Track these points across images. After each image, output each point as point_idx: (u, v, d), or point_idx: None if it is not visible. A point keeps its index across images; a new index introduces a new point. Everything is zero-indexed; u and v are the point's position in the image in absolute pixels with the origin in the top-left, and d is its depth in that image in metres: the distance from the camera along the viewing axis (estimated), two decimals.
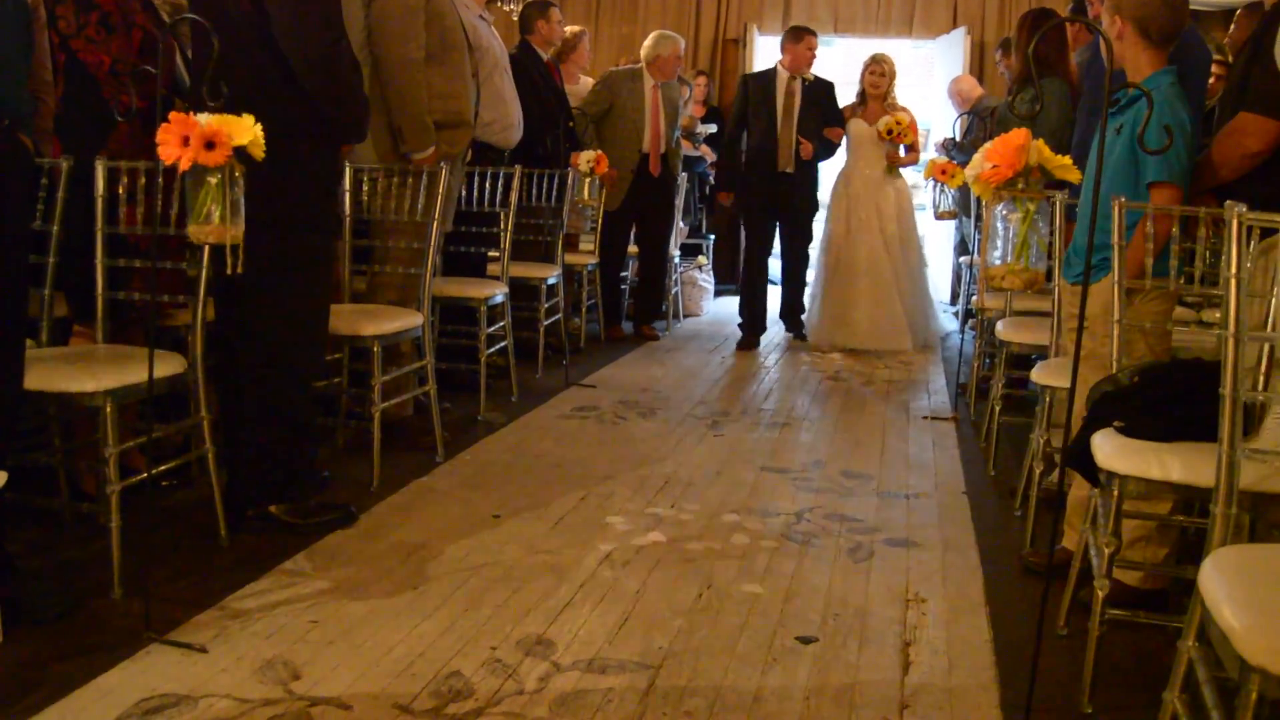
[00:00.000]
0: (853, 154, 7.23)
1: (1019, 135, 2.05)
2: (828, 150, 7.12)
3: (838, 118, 7.09)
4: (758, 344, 7.20)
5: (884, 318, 7.03)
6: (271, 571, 2.99)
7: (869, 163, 7.14)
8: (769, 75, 7.10)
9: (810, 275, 7.59)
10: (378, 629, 2.66)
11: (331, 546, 3.19)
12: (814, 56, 7.01)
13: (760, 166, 7.03)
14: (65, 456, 3.24)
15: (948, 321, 7.97)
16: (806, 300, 7.44)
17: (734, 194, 7.33)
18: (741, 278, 7.52)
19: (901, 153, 7.05)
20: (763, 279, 7.28)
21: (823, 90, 7.07)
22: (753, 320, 7.26)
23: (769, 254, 7.38)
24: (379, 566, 3.06)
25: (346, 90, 3.24)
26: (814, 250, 7.52)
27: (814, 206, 7.29)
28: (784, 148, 6.96)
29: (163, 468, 3.31)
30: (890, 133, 6.84)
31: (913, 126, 6.91)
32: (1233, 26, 5.87)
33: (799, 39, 6.98)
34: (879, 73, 7.05)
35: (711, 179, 8.72)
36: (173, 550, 3.09)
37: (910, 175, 7.55)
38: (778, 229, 7.34)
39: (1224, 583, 1.61)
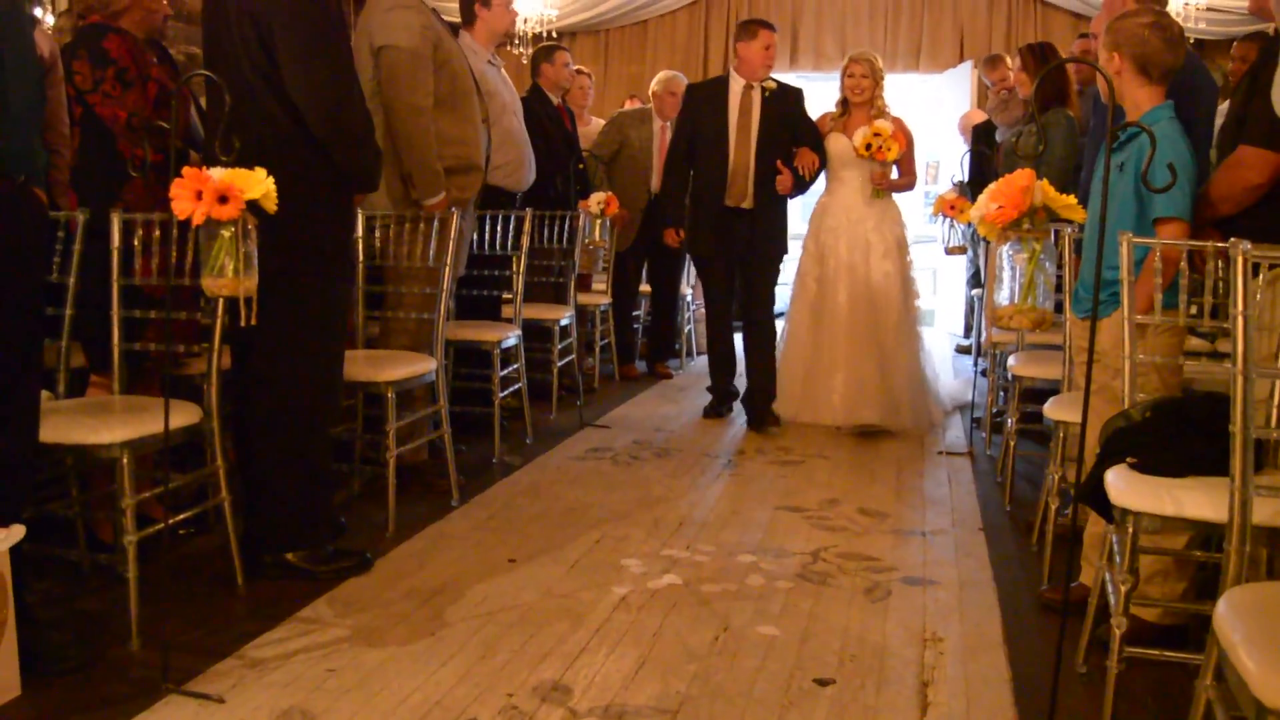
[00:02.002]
0: (831, 178, 5.75)
1: (1023, 176, 2.07)
2: (802, 184, 5.57)
3: (811, 135, 5.56)
4: (727, 413, 5.90)
5: (869, 387, 5.52)
6: (288, 619, 2.99)
7: (851, 188, 5.69)
8: (719, 84, 5.62)
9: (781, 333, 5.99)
10: (394, 677, 2.66)
11: (348, 593, 3.20)
12: (773, 58, 5.49)
13: (708, 201, 5.51)
14: (83, 507, 3.26)
15: (955, 383, 6.82)
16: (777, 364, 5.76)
17: (684, 231, 5.79)
18: (707, 337, 5.96)
19: (894, 174, 5.70)
20: (727, 338, 5.83)
21: (789, 100, 5.55)
22: (722, 391, 5.95)
23: (731, 307, 5.91)
24: (395, 613, 3.06)
25: (358, 140, 3.28)
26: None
27: (781, 251, 5.71)
28: (738, 177, 5.45)
29: (180, 517, 3.32)
30: (869, 148, 5.46)
31: (899, 138, 5.46)
32: (1232, 54, 5.90)
33: (752, 35, 5.47)
34: (860, 74, 5.59)
35: None
36: (190, 599, 3.10)
37: (909, 201, 6.42)
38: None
39: (1239, 623, 1.61)
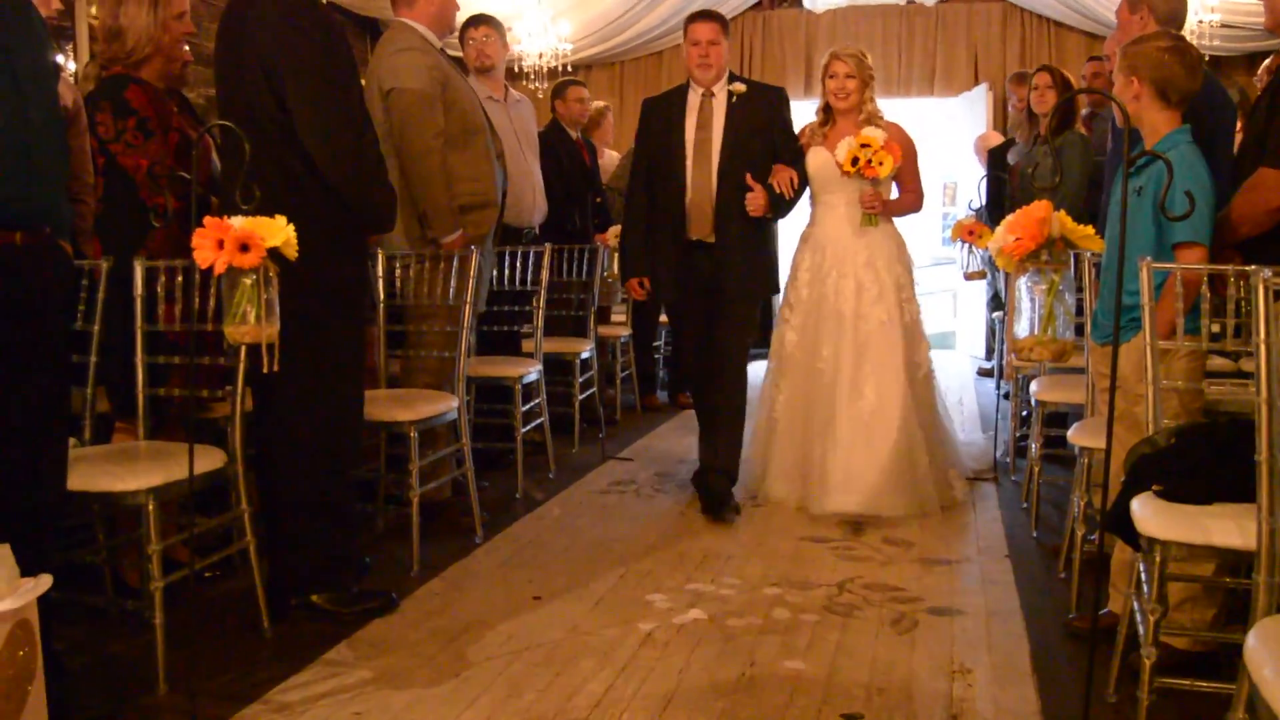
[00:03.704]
0: (814, 203, 4.71)
1: (1040, 208, 2.07)
2: (779, 205, 4.42)
3: (789, 148, 4.52)
4: (728, 505, 4.48)
5: (864, 467, 4.40)
6: (314, 663, 3.00)
7: (836, 215, 4.62)
8: (676, 94, 4.59)
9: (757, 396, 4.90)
10: (421, 719, 2.66)
11: (373, 635, 3.20)
12: (714, 58, 4.39)
13: (667, 235, 4.49)
14: (109, 553, 3.29)
15: (979, 441, 5.82)
16: (745, 439, 4.73)
17: (649, 278, 4.59)
18: (694, 405, 4.89)
19: (892, 193, 4.65)
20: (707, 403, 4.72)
21: (764, 105, 4.50)
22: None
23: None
24: (421, 654, 3.06)
25: (370, 182, 3.30)
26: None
27: (758, 289, 4.68)
28: (698, 203, 4.43)
29: (206, 561, 3.33)
30: (855, 163, 4.39)
31: (893, 149, 4.39)
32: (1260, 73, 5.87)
33: (702, 24, 4.45)
34: (844, 73, 4.52)
35: None
36: (216, 643, 3.11)
37: (926, 220, 5.60)
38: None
39: (1270, 656, 1.59)
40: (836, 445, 4.45)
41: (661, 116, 4.56)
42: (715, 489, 4.49)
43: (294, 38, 3.14)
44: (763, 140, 4.44)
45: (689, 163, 4.45)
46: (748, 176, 4.32)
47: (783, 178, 4.35)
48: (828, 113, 4.64)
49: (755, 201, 4.33)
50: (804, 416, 4.59)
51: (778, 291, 4.81)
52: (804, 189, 4.54)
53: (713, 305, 4.50)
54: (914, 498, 4.42)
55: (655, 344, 7.38)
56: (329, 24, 3.27)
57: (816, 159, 4.58)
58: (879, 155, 4.37)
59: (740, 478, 4.68)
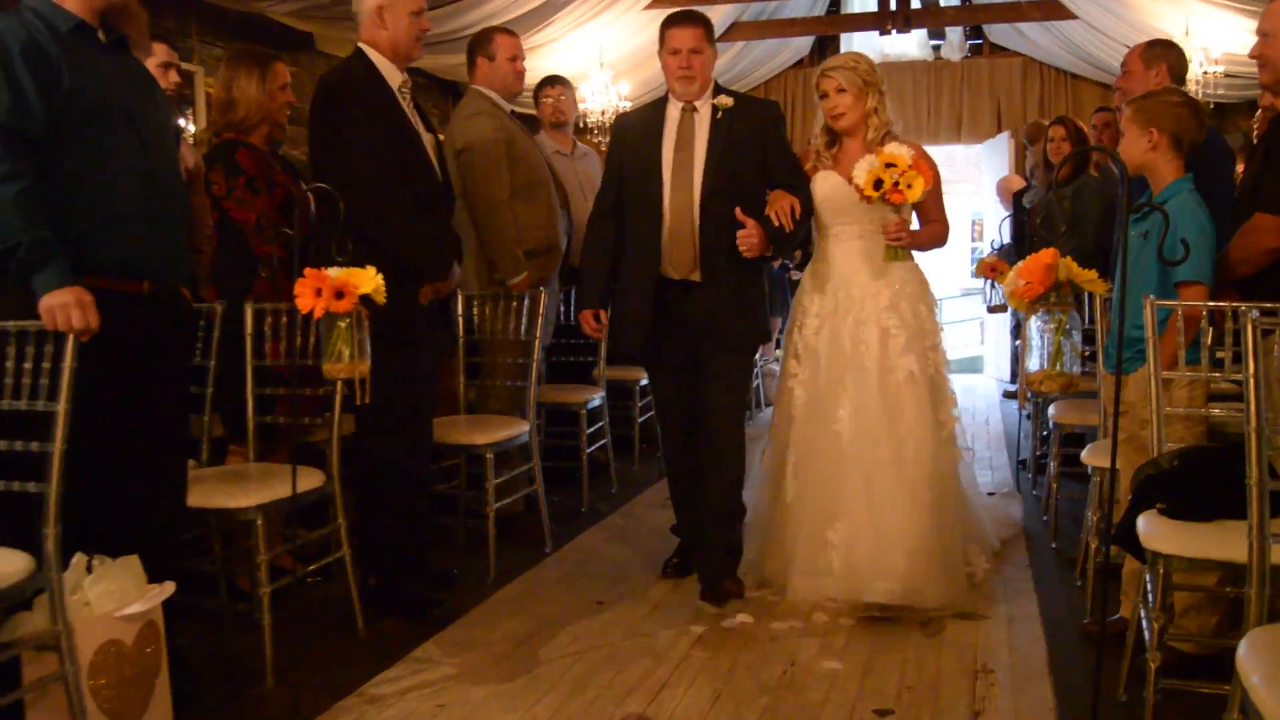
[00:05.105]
0: (822, 235, 3.68)
1: (1048, 254, 2.10)
2: (779, 240, 3.42)
3: (789, 170, 3.55)
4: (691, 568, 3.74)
5: (900, 542, 3.36)
6: (403, 659, 3.06)
7: (849, 249, 3.60)
8: (655, 108, 3.63)
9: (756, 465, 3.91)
10: (497, 712, 2.72)
11: (455, 635, 3.26)
12: (699, 66, 3.46)
13: (640, 271, 3.54)
14: (224, 563, 3.38)
15: (1010, 507, 4.70)
16: (748, 516, 3.72)
17: (613, 316, 3.71)
18: (666, 469, 3.99)
19: (915, 222, 3.63)
20: (683, 465, 3.76)
21: (755, 120, 3.53)
22: (689, 527, 3.83)
23: (690, 424, 3.69)
24: (496, 653, 3.12)
25: (401, 234, 3.23)
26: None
27: (756, 336, 3.65)
28: (677, 235, 3.47)
29: (308, 569, 3.41)
30: (879, 185, 3.33)
31: (922, 169, 3.33)
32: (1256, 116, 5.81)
33: (681, 29, 3.50)
34: (833, 89, 3.54)
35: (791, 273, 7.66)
36: (317, 642, 3.19)
37: (952, 253, 4.58)
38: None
39: (1259, 663, 1.60)
40: (853, 522, 3.42)
41: (636, 132, 3.61)
42: (712, 563, 3.56)
43: (321, 106, 3.29)
44: (753, 162, 3.50)
45: (666, 187, 3.48)
46: (738, 211, 3.37)
47: (781, 206, 3.37)
48: (833, 133, 3.64)
49: (749, 240, 3.36)
50: (820, 489, 3.51)
51: (769, 340, 3.89)
52: (806, 220, 3.52)
53: (701, 358, 3.55)
54: (949, 586, 3.38)
55: None
56: (356, 89, 3.28)
57: (826, 184, 3.58)
58: (907, 176, 3.30)
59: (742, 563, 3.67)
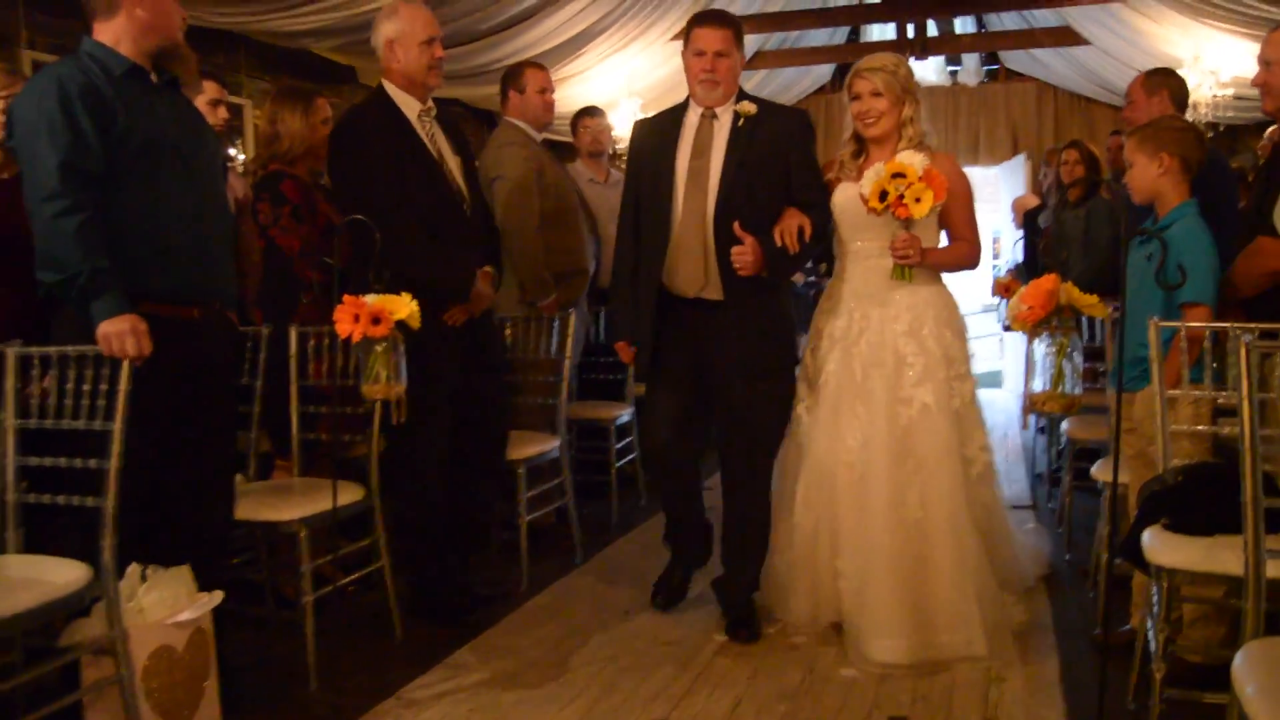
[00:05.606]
0: (845, 250, 3.31)
1: (1049, 280, 2.12)
2: (778, 261, 3.13)
3: (812, 186, 3.23)
4: (680, 597, 3.60)
5: (915, 593, 3.03)
6: (438, 665, 3.11)
7: (866, 266, 3.23)
8: (673, 114, 3.33)
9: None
10: (526, 715, 2.76)
11: (488, 642, 3.30)
12: (726, 70, 3.16)
13: (647, 286, 3.27)
14: (270, 572, 3.44)
15: (1041, 542, 4.17)
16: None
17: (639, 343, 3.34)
18: (663, 500, 3.72)
19: (942, 240, 3.26)
20: (685, 495, 3.56)
21: (780, 129, 3.23)
22: (682, 550, 3.65)
23: (698, 450, 3.52)
24: (528, 659, 3.15)
25: (405, 257, 3.12)
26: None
27: (785, 359, 3.34)
28: (686, 249, 3.18)
29: (349, 578, 3.46)
30: (884, 197, 2.93)
31: (934, 180, 2.91)
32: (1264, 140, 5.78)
33: (709, 29, 3.17)
34: (868, 91, 3.16)
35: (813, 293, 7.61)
36: (358, 647, 3.25)
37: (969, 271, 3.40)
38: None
39: (1254, 676, 1.62)
40: (873, 571, 3.06)
41: (652, 140, 3.33)
42: (736, 599, 3.37)
43: (331, 140, 3.41)
44: (774, 174, 3.18)
45: (678, 197, 3.20)
46: (735, 226, 3.07)
47: (788, 225, 3.10)
48: (860, 141, 3.28)
49: (743, 258, 3.06)
50: (826, 527, 3.22)
51: (798, 362, 3.42)
52: (816, 242, 3.23)
53: (717, 387, 3.27)
54: (961, 635, 3.02)
55: None
56: (358, 121, 3.36)
57: (843, 195, 3.22)
58: (915, 189, 2.89)
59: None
